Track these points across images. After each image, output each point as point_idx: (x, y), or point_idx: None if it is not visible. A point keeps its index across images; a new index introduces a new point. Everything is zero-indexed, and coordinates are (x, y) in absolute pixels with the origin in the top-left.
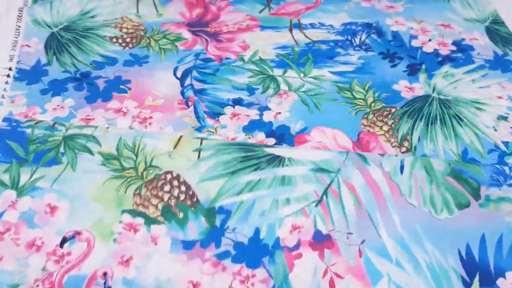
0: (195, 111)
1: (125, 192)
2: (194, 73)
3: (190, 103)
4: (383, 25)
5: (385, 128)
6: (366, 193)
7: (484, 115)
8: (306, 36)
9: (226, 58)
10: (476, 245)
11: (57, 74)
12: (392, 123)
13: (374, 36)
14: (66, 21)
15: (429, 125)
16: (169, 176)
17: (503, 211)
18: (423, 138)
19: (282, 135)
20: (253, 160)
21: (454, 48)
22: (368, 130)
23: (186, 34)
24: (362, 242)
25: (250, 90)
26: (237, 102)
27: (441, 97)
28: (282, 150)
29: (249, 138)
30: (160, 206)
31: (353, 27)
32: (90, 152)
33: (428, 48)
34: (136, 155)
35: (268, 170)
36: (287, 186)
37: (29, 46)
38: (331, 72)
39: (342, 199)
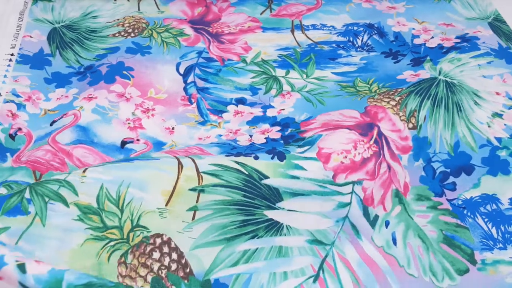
0: (198, 108)
1: (108, 260)
2: (197, 70)
3: (193, 100)
4: (384, 26)
5: (393, 103)
6: (363, 269)
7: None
8: (308, 37)
9: (228, 60)
10: None
11: (60, 67)
12: (400, 99)
13: (376, 37)
14: (68, 20)
15: (435, 106)
16: (159, 240)
17: (502, 273)
18: (428, 119)
19: (287, 124)
20: (251, 226)
21: (458, 40)
22: (375, 104)
23: (189, 30)
24: None
25: (253, 90)
26: (240, 101)
27: (448, 79)
28: (282, 214)
29: (253, 128)
30: (149, 277)
31: (355, 28)
32: (64, 202)
33: (432, 43)
34: (122, 211)
35: (266, 239)
36: (283, 258)
37: (31, 37)
38: (334, 73)
39: (339, 276)
